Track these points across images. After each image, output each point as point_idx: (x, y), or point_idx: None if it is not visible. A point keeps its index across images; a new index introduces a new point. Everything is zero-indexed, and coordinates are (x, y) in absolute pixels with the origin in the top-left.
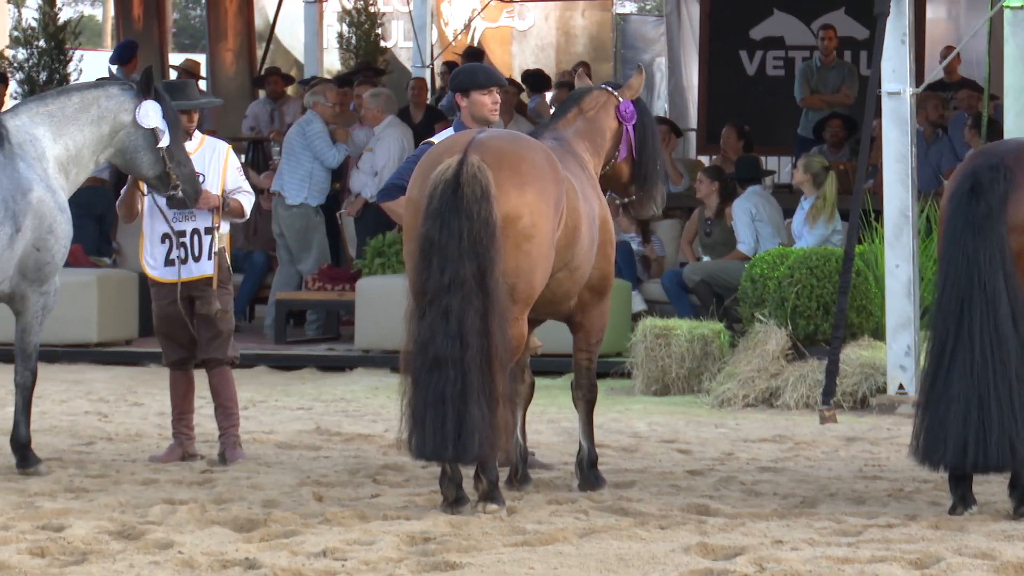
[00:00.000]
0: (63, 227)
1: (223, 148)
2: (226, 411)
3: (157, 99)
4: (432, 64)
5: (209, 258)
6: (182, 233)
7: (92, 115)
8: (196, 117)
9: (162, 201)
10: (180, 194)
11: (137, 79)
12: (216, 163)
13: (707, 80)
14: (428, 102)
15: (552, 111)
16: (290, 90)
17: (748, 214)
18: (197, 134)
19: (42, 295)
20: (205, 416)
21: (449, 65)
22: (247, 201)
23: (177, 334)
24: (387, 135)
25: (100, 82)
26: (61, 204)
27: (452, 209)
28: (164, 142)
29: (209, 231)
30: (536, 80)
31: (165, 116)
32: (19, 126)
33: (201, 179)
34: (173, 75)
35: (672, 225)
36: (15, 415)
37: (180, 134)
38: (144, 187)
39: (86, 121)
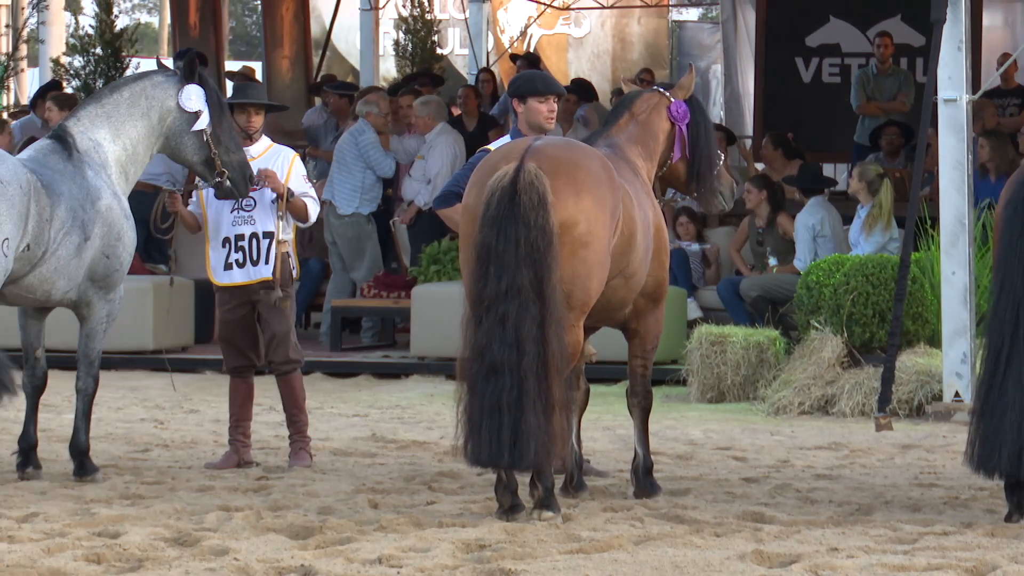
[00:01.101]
0: (129, 234)
1: (289, 155)
2: (291, 418)
3: (200, 83)
4: (490, 65)
5: (267, 262)
6: (240, 236)
7: (142, 107)
8: (257, 119)
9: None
10: (228, 183)
11: (181, 65)
12: (279, 169)
13: (763, 87)
14: (480, 109)
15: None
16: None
17: (811, 231)
18: (265, 140)
19: (108, 302)
20: (261, 423)
21: (527, 59)
22: (312, 206)
23: (238, 340)
24: (439, 142)
25: (146, 72)
26: (126, 211)
27: (509, 216)
28: (202, 123)
29: (268, 235)
30: (581, 89)
31: (208, 100)
32: (82, 132)
33: (259, 184)
34: (228, 83)
35: (728, 232)
36: (75, 421)
37: (226, 120)
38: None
39: (138, 115)
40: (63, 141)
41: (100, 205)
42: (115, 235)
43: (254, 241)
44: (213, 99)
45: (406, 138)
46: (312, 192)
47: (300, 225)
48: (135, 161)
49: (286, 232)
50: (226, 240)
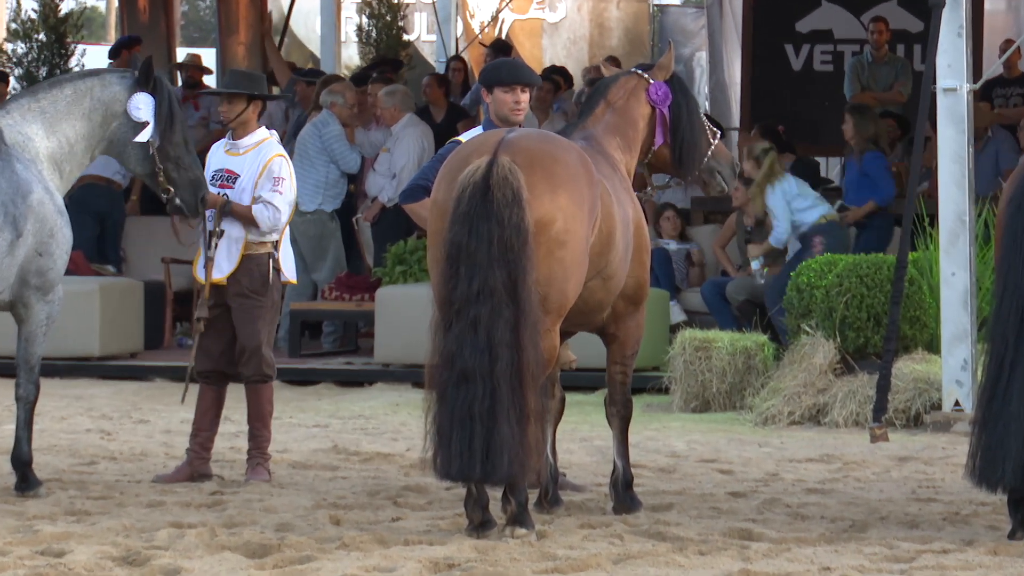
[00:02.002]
0: (64, 231)
1: (269, 153)
2: (253, 431)
3: (155, 92)
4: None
5: (204, 264)
6: (212, 233)
7: (85, 107)
8: (230, 109)
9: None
10: (177, 200)
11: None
12: (255, 167)
13: (750, 76)
14: (449, 99)
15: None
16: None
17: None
18: (259, 134)
19: (47, 303)
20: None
21: (495, 46)
22: (260, 212)
23: (209, 342)
24: (406, 135)
25: (97, 71)
26: (60, 207)
27: (482, 213)
28: (144, 137)
29: (212, 234)
30: (563, 77)
31: (157, 111)
32: (11, 125)
33: (232, 181)
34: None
35: (713, 231)
36: (16, 431)
37: (177, 133)
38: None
39: (79, 115)
40: None
41: (31, 200)
42: (48, 231)
43: (211, 239)
44: (163, 111)
45: (372, 131)
46: (273, 198)
47: (267, 236)
48: (72, 160)
49: (253, 233)
50: (210, 235)
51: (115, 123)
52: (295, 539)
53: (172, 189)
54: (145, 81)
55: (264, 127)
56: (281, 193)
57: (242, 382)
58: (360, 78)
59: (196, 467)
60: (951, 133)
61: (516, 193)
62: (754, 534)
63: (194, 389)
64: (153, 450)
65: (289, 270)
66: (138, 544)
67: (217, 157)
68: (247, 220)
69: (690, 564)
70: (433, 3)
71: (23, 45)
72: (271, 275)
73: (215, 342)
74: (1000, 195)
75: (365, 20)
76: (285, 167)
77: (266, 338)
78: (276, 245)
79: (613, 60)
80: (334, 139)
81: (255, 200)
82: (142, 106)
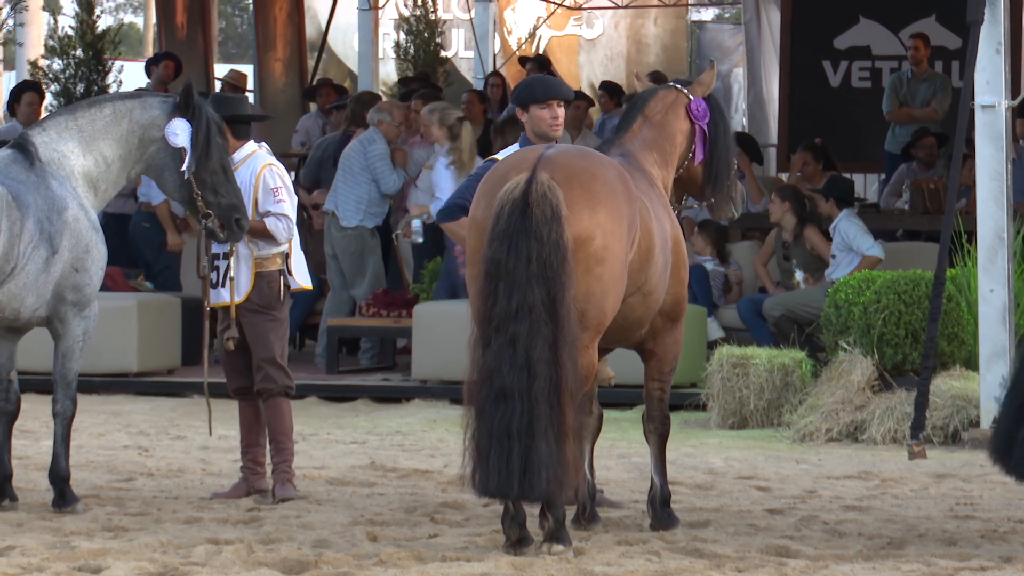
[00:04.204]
0: (99, 247)
1: (259, 165)
2: (277, 445)
3: (193, 118)
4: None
5: (224, 284)
6: (216, 256)
7: (123, 129)
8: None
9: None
10: (212, 224)
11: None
12: (247, 181)
13: (788, 92)
14: (487, 115)
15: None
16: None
17: (860, 228)
18: (250, 145)
19: (83, 319)
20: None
21: (536, 61)
22: (275, 225)
23: (234, 360)
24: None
25: (139, 92)
26: (95, 223)
27: (520, 230)
28: (184, 165)
29: (226, 256)
30: (613, 92)
31: (193, 138)
32: (47, 142)
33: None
34: (218, 87)
35: (751, 247)
36: (54, 446)
37: (213, 161)
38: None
39: (116, 135)
40: (24, 150)
41: (67, 216)
42: (83, 247)
43: (215, 261)
44: (200, 138)
45: (416, 147)
46: (281, 208)
47: (276, 247)
48: (107, 179)
49: (263, 248)
50: (214, 256)
51: (153, 147)
52: (332, 555)
53: (212, 214)
54: (185, 107)
55: (252, 141)
56: (284, 201)
57: (261, 398)
58: (403, 95)
59: (252, 482)
60: (989, 150)
61: (555, 210)
62: (791, 551)
63: (233, 408)
64: (190, 466)
65: (302, 276)
66: (175, 560)
67: None
68: (264, 236)
69: None
70: (471, 20)
71: (60, 61)
72: (282, 291)
73: (241, 359)
74: None
75: (403, 37)
76: (277, 176)
77: (280, 351)
78: (286, 258)
79: (655, 76)
80: (378, 158)
81: (265, 215)
82: (179, 132)
